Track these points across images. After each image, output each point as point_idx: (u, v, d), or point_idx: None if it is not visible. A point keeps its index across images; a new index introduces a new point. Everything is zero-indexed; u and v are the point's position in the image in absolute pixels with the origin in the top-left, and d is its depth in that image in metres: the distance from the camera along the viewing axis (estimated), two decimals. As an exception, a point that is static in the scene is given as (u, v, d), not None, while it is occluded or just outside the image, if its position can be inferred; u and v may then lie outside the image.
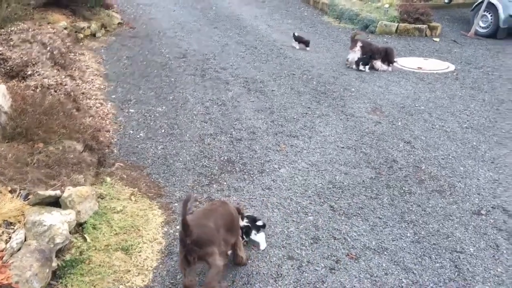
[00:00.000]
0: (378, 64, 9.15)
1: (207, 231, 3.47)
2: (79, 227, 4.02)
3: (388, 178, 5.50)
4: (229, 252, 3.91)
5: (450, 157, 6.00)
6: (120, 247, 3.99)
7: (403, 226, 4.66)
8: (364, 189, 5.26)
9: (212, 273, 3.49)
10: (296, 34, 10.32)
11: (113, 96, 7.00)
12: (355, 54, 9.11)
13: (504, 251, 4.33)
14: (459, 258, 4.23)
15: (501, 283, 3.95)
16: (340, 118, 7.02)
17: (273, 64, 9.24)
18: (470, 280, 3.98)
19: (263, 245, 4.22)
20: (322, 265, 4.10)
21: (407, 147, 6.21)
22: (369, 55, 9.05)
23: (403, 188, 5.31)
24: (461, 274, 4.04)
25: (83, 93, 6.61)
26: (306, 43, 10.16)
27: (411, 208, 4.94)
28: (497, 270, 4.10)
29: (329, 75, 8.80)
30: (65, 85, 5.97)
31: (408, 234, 4.55)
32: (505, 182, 5.46)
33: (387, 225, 4.67)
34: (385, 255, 4.25)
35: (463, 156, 6.04)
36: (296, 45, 10.26)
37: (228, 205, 3.89)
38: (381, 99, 7.80)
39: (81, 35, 9.05)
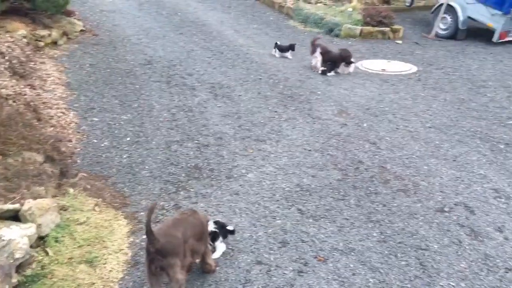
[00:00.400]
0: (339, 69, 9.30)
1: (172, 241, 3.42)
2: (40, 241, 3.90)
3: (355, 179, 5.56)
4: (197, 260, 3.88)
5: (414, 156, 6.12)
6: (84, 259, 3.90)
7: (370, 226, 4.72)
8: (331, 191, 5.31)
9: None
10: (278, 43, 10.26)
11: (76, 105, 6.86)
12: (317, 58, 9.21)
13: (467, 247, 4.43)
14: (424, 255, 4.31)
15: (465, 278, 4.05)
16: (307, 121, 7.07)
17: (239, 69, 9.24)
18: (435, 276, 4.05)
19: (217, 254, 4.15)
20: (291, 268, 4.10)
21: (373, 148, 6.31)
22: (332, 62, 9.18)
23: (369, 188, 5.38)
24: (426, 271, 4.11)
25: (44, 103, 6.44)
26: (292, 47, 10.06)
27: (377, 208, 5.01)
28: (460, 266, 4.20)
29: (295, 79, 8.87)
30: (25, 95, 5.81)
31: (375, 234, 4.61)
32: (466, 179, 5.60)
33: (354, 225, 4.72)
34: (352, 255, 4.30)
35: (427, 155, 6.17)
36: (277, 53, 10.19)
37: (198, 214, 3.85)
38: (346, 101, 7.90)
39: (42, 43, 8.83)
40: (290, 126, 6.88)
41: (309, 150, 6.20)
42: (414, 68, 9.90)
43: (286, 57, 10.14)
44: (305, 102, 7.81)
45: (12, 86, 5.82)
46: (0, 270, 3.25)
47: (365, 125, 7.03)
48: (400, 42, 12.01)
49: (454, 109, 7.75)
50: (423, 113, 7.54)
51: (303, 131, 6.74)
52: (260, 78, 8.82)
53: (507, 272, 4.13)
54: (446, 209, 5.02)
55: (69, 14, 10.27)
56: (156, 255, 3.32)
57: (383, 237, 4.56)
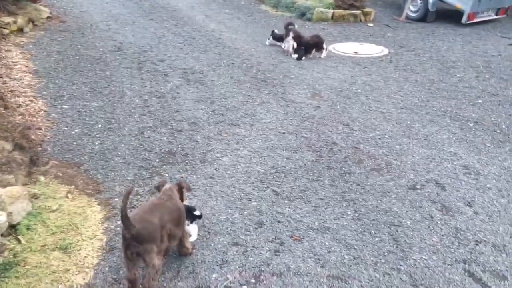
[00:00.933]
0: (311, 54, 9.32)
1: (148, 227, 3.38)
2: (11, 229, 3.82)
3: (329, 160, 5.62)
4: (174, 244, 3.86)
5: (387, 136, 6.21)
6: (58, 246, 3.84)
7: (344, 205, 4.78)
8: (305, 172, 5.35)
9: (150, 274, 3.41)
10: (275, 31, 9.90)
11: (44, 93, 6.69)
12: (289, 43, 9.19)
13: (438, 222, 4.55)
14: (397, 231, 4.40)
15: (436, 252, 4.15)
16: (281, 105, 7.08)
17: (212, 54, 9.17)
18: (408, 251, 4.15)
19: (194, 237, 4.11)
20: (267, 248, 4.13)
21: (346, 130, 6.37)
22: (303, 48, 9.15)
23: (343, 168, 5.44)
24: (399, 246, 4.20)
25: (11, 91, 6.27)
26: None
27: (351, 188, 5.07)
28: (432, 240, 4.30)
29: (268, 63, 8.85)
30: (-10, 82, 5.64)
31: (349, 212, 4.67)
32: (437, 157, 5.72)
33: (328, 205, 4.77)
34: (327, 234, 4.35)
35: (399, 135, 6.27)
36: (270, 41, 9.90)
37: (175, 199, 3.80)
38: (319, 84, 7.94)
39: (7, 31, 8.56)
40: (264, 110, 6.88)
41: (283, 133, 6.22)
42: (385, 51, 10.00)
43: (279, 46, 9.74)
44: (279, 86, 7.81)
45: (-24, 74, 5.64)
46: (-30, 259, 3.17)
47: (338, 107, 7.09)
48: (371, 25, 12.11)
49: (424, 89, 7.88)
50: (395, 94, 7.64)
51: (277, 115, 6.75)
52: (233, 63, 8.78)
53: (477, 245, 4.25)
54: (418, 186, 5.12)
55: (35, 0, 9.97)
56: (132, 241, 3.28)
57: (357, 215, 4.63)
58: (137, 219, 3.32)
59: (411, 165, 5.55)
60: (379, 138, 6.16)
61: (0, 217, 3.61)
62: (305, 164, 5.50)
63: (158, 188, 3.93)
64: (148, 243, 3.34)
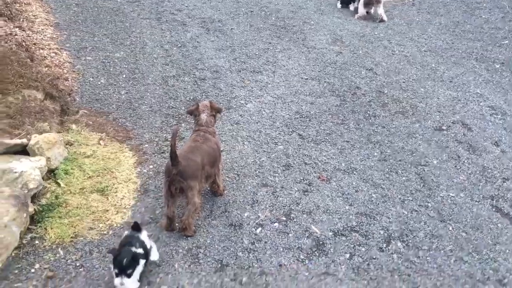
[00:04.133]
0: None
1: (192, 165, 3.52)
2: (50, 174, 3.97)
3: (353, 104, 5.62)
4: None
5: (411, 80, 6.16)
6: (96, 189, 3.99)
7: (370, 147, 4.83)
8: (330, 116, 5.37)
9: (190, 210, 3.56)
10: None
11: (68, 45, 6.72)
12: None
13: (465, 161, 4.58)
14: (424, 171, 4.45)
15: (464, 189, 4.21)
16: (302, 51, 7.02)
17: (229, 3, 9.02)
18: (435, 189, 4.21)
19: (155, 256, 3.39)
20: (296, 188, 4.24)
21: (369, 74, 6.32)
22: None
23: (368, 112, 5.45)
24: (426, 185, 4.27)
25: (35, 44, 6.29)
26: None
27: (376, 130, 5.10)
28: (459, 178, 4.35)
29: (287, 10, 8.70)
30: (15, 35, 5.68)
31: (375, 154, 4.72)
32: (463, 99, 5.68)
33: (354, 147, 4.82)
34: (354, 174, 4.43)
35: (423, 78, 6.21)
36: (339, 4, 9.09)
37: (211, 140, 3.87)
38: (340, 30, 7.81)
39: (24, -16, 8.49)
40: (285, 57, 6.84)
41: (306, 79, 6.21)
42: (407, -6, 9.71)
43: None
44: (299, 32, 7.71)
45: (1, 27, 5.67)
46: (16, 200, 3.33)
47: (360, 52, 7.00)
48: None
49: (449, 32, 7.70)
50: (419, 37, 7.49)
51: (299, 61, 6.71)
52: (251, 11, 8.64)
53: (504, 182, 4.29)
54: (444, 127, 5.12)
55: (48, -48, 9.80)
56: (177, 177, 3.42)
57: (383, 156, 4.69)
58: (182, 157, 3.44)
59: (436, 107, 5.52)
60: (403, 82, 6.11)
61: (40, 161, 3.74)
62: (329, 109, 5.52)
63: (191, 112, 3.99)
64: (192, 179, 3.48)
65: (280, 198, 4.12)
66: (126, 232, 3.33)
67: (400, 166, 4.52)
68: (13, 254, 3.30)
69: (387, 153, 4.72)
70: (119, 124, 5.05)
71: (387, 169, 4.49)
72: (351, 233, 3.76)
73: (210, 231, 3.73)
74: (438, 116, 5.32)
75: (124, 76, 6.10)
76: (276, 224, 3.84)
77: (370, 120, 5.28)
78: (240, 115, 5.36)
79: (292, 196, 4.15)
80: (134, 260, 3.05)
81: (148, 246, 3.28)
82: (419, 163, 4.56)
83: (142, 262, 3.13)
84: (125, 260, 3.00)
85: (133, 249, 3.11)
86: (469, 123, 5.19)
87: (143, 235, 3.29)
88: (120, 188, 4.07)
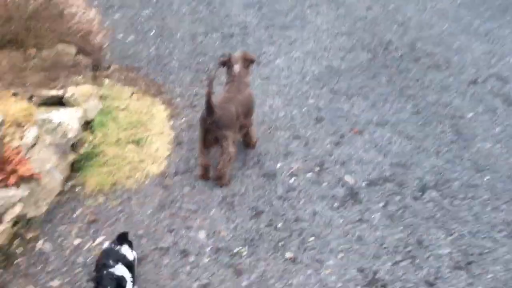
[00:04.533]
0: None
1: (228, 114, 3.53)
2: (87, 125, 4.05)
3: (385, 58, 5.52)
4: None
5: (444, 34, 5.99)
6: (131, 140, 4.06)
7: (403, 100, 4.76)
8: (361, 71, 5.29)
9: (224, 160, 3.60)
10: None
11: (95, 3, 6.70)
12: None
13: (502, 113, 4.49)
14: (459, 123, 4.39)
15: (500, 141, 4.15)
16: (331, 7, 6.85)
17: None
18: (471, 140, 4.16)
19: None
20: (328, 140, 4.23)
21: (401, 29, 6.16)
22: None
23: (400, 66, 5.35)
24: (461, 137, 4.21)
25: (61, 2, 6.31)
26: None
27: (409, 84, 5.02)
28: (495, 130, 4.28)
29: (314, -34, 8.45)
30: (45, -8, 5.69)
31: (408, 107, 4.66)
32: (499, 53, 5.52)
33: (387, 100, 4.76)
34: (387, 127, 4.39)
35: (457, 32, 6.02)
36: None
37: (245, 91, 3.85)
38: (370, -16, 7.58)
39: None
40: (313, 12, 6.69)
41: (336, 35, 6.09)
42: None
43: None
44: (328, -12, 7.51)
45: (30, -16, 5.69)
46: (57, 148, 3.42)
47: (391, 7, 6.80)
48: None
49: (484, -15, 7.40)
50: (452, -9, 7.22)
51: (328, 17, 6.56)
52: (278, -32, 8.43)
53: (542, 133, 4.20)
54: (479, 80, 5.00)
55: None
56: (213, 126, 3.44)
57: (417, 109, 4.62)
58: (217, 107, 3.44)
59: (471, 61, 5.38)
60: (437, 36, 5.94)
61: (77, 112, 3.81)
62: (360, 64, 5.43)
63: (224, 63, 3.96)
64: (227, 129, 3.50)
65: (313, 150, 4.12)
66: (105, 245, 2.91)
67: (435, 119, 4.45)
68: (56, 200, 3.42)
69: (421, 106, 4.65)
70: (150, 79, 5.08)
71: (421, 122, 4.43)
72: (385, 183, 3.76)
73: (244, 180, 3.77)
74: (473, 70, 5.19)
75: (152, 33, 6.09)
76: (309, 174, 3.86)
77: (403, 75, 5.19)
78: (270, 70, 5.32)
79: (325, 147, 4.15)
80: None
81: (132, 258, 2.81)
82: (454, 115, 4.49)
83: (128, 283, 2.63)
84: None
85: (115, 272, 2.60)
86: (505, 76, 5.05)
87: (124, 249, 2.80)
88: (154, 140, 4.13)
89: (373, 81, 5.09)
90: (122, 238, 2.85)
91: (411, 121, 4.45)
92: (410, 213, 3.48)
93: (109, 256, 2.70)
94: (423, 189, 3.69)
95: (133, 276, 2.71)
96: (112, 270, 2.60)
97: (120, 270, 2.62)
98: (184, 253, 3.15)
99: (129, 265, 2.72)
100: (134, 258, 2.86)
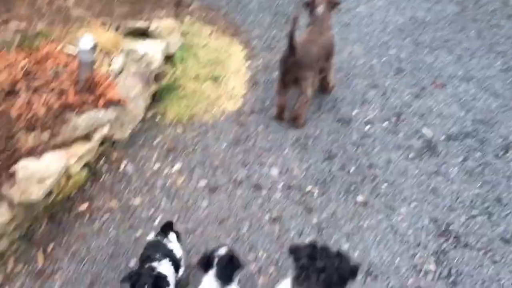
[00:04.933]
0: None
1: (309, 55, 3.49)
2: (168, 59, 4.14)
3: (475, 12, 5.18)
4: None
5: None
6: (209, 77, 4.13)
7: (492, 56, 4.49)
8: (448, 23, 5.01)
9: (302, 101, 3.58)
10: None
11: None
12: None
13: None
14: (555, 85, 4.09)
15: None
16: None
17: None
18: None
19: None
20: (407, 92, 4.10)
21: (495, -18, 5.71)
22: None
23: (491, 22, 5.01)
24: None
25: None
26: None
27: (500, 41, 4.71)
28: None
29: None
30: None
31: (497, 64, 4.40)
32: None
33: (474, 55, 4.51)
34: (472, 82, 4.18)
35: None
36: None
37: (326, 34, 3.75)
38: None
39: None
40: (400, -39, 6.33)
41: (423, -16, 5.75)
42: None
43: None
44: None
45: None
46: (142, 77, 3.55)
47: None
48: None
49: None
50: None
51: (415, -34, 6.19)
52: None
53: None
54: None
55: None
56: (293, 66, 3.42)
57: (506, 66, 4.35)
58: (300, 47, 3.40)
59: None
60: (535, -9, 5.47)
61: (161, 44, 3.91)
62: (447, 16, 5.14)
63: (307, 5, 3.86)
64: (307, 70, 3.46)
65: (391, 100, 4.02)
66: (150, 237, 2.54)
67: (526, 77, 4.18)
68: (138, 126, 3.58)
69: (511, 64, 4.36)
70: (229, 19, 5.08)
71: (510, 80, 4.17)
72: (465, 138, 3.62)
73: (318, 124, 3.76)
74: None
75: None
76: (385, 123, 3.78)
77: (494, 30, 4.86)
78: (351, 17, 5.15)
79: (403, 98, 4.03)
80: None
81: (179, 255, 2.44)
82: (549, 76, 4.18)
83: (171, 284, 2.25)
84: None
85: (156, 267, 2.20)
86: None
87: (172, 239, 2.45)
88: (231, 78, 4.18)
89: (460, 34, 4.82)
90: (168, 228, 2.50)
91: (499, 78, 4.20)
92: (491, 170, 3.34)
93: (153, 249, 2.33)
94: (507, 147, 3.52)
95: (177, 272, 2.36)
96: (154, 264, 2.22)
97: (164, 267, 2.25)
98: (257, 187, 3.23)
99: (175, 261, 2.37)
100: (181, 257, 2.48)
